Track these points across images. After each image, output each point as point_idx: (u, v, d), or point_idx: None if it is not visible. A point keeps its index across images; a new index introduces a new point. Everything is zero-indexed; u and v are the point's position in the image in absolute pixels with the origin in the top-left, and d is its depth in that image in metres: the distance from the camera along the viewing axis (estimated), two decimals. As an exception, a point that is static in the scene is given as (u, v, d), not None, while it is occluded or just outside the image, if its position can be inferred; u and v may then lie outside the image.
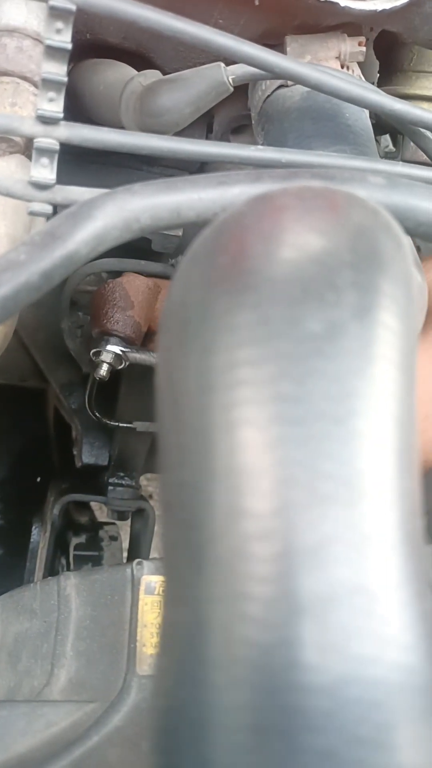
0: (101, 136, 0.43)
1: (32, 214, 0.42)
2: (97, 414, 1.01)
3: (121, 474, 1.16)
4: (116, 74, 0.63)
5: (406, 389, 0.28)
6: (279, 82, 0.62)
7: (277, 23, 0.61)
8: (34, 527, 1.24)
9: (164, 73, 0.62)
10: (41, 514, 1.24)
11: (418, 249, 0.97)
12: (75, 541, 1.26)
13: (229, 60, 0.49)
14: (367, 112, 0.62)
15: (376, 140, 0.81)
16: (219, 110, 0.75)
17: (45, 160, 0.42)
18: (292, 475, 0.25)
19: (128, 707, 0.53)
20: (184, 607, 0.26)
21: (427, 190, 0.34)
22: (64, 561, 1.23)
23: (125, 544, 1.29)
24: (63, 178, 0.43)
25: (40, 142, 0.42)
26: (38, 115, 0.42)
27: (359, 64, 0.66)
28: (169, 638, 0.27)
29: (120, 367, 0.82)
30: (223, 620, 0.24)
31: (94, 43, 0.65)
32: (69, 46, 0.41)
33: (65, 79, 0.42)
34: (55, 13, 0.40)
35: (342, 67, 0.62)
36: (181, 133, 0.59)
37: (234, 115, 0.76)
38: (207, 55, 0.61)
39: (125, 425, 1.00)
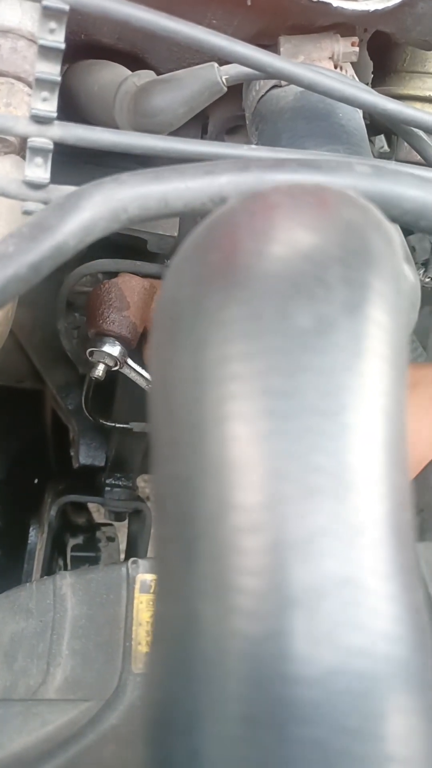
0: (95, 135, 0.44)
1: (26, 213, 0.42)
2: (93, 415, 1.02)
3: (118, 475, 1.16)
4: (110, 75, 0.64)
5: (395, 383, 0.28)
6: (273, 82, 0.62)
7: (270, 24, 0.62)
8: (31, 529, 1.24)
9: (158, 74, 0.62)
10: (38, 515, 1.24)
11: (413, 249, 0.97)
12: (72, 542, 1.26)
13: (223, 60, 0.50)
14: (360, 112, 0.62)
15: (371, 140, 0.81)
16: (213, 111, 0.76)
17: (39, 160, 0.43)
18: (282, 468, 0.25)
19: (124, 705, 0.53)
20: (175, 600, 0.26)
21: (412, 178, 0.34)
22: (61, 562, 1.24)
23: (123, 546, 1.29)
24: (58, 178, 0.43)
25: (34, 141, 0.42)
26: (32, 114, 0.42)
27: (353, 64, 0.66)
28: (161, 631, 0.28)
29: (116, 368, 0.83)
30: (213, 612, 0.25)
31: (88, 44, 0.65)
32: (62, 45, 0.41)
33: (59, 78, 0.42)
34: (49, 13, 0.40)
35: (335, 67, 0.63)
36: (175, 134, 0.59)
37: (228, 115, 0.77)
38: (201, 55, 0.62)
39: (122, 426, 1.01)
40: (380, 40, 0.71)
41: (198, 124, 0.77)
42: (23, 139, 0.48)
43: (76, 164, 0.72)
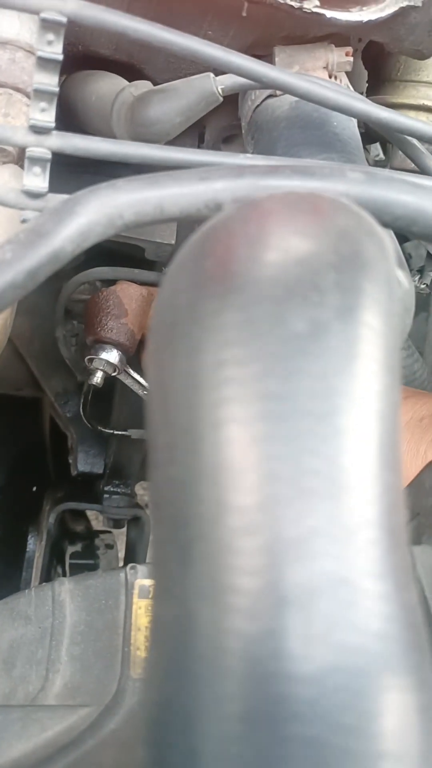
0: (93, 145, 0.44)
1: (25, 222, 0.43)
2: (92, 422, 1.02)
3: (117, 482, 1.16)
4: (108, 85, 0.64)
5: (388, 386, 0.29)
6: (268, 91, 0.63)
7: (265, 34, 0.63)
8: (29, 536, 1.24)
9: (155, 84, 0.63)
10: (37, 523, 1.24)
11: (409, 256, 0.98)
12: (71, 549, 1.26)
13: (219, 70, 0.50)
14: (355, 121, 0.63)
15: (366, 149, 0.82)
16: (210, 120, 0.77)
17: (37, 169, 0.43)
18: (277, 470, 0.26)
19: (123, 710, 0.53)
20: (172, 601, 0.27)
21: (404, 184, 0.35)
22: (60, 570, 1.23)
23: (121, 554, 1.29)
24: (56, 187, 0.44)
25: (33, 151, 0.43)
26: (30, 124, 0.43)
27: (348, 74, 0.67)
28: (158, 633, 0.28)
29: (114, 374, 0.83)
30: (209, 612, 0.25)
31: (86, 55, 0.66)
32: (60, 57, 0.42)
33: (57, 89, 0.42)
34: (47, 25, 0.41)
35: (330, 76, 0.64)
36: (172, 143, 0.60)
37: (224, 124, 0.77)
38: (197, 65, 0.62)
39: (120, 433, 1.01)
40: (374, 50, 0.72)
41: (195, 134, 0.78)
42: (22, 149, 0.49)
43: (74, 173, 0.73)
